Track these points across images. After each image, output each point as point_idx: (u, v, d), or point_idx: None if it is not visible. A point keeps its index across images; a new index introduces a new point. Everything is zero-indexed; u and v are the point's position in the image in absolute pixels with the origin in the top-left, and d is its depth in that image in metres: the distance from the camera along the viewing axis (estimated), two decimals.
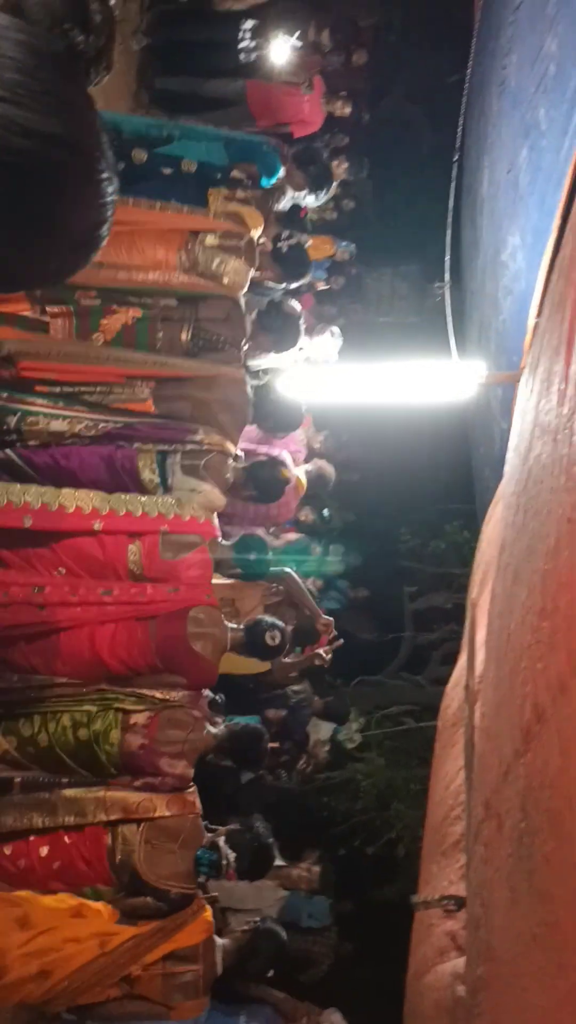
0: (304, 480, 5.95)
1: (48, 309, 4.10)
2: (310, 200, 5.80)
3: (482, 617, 3.26)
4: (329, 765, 8.27)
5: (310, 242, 5.74)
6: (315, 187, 5.63)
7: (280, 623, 4.04)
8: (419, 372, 4.59)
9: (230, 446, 4.03)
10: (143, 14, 6.60)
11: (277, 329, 4.52)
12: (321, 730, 7.84)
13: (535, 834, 1.61)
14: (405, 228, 10.37)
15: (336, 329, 6.63)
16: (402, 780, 8.49)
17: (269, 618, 4.09)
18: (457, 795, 3.12)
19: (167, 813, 3.44)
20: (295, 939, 6.79)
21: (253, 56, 6.54)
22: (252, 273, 4.29)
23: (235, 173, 4.65)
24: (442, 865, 3.09)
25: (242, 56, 6.53)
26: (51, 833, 3.47)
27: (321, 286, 8.18)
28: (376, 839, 8.36)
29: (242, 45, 6.48)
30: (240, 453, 4.26)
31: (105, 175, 0.95)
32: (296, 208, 5.35)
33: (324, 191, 5.95)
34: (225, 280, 4.16)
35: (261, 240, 4.59)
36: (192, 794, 3.57)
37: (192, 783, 3.64)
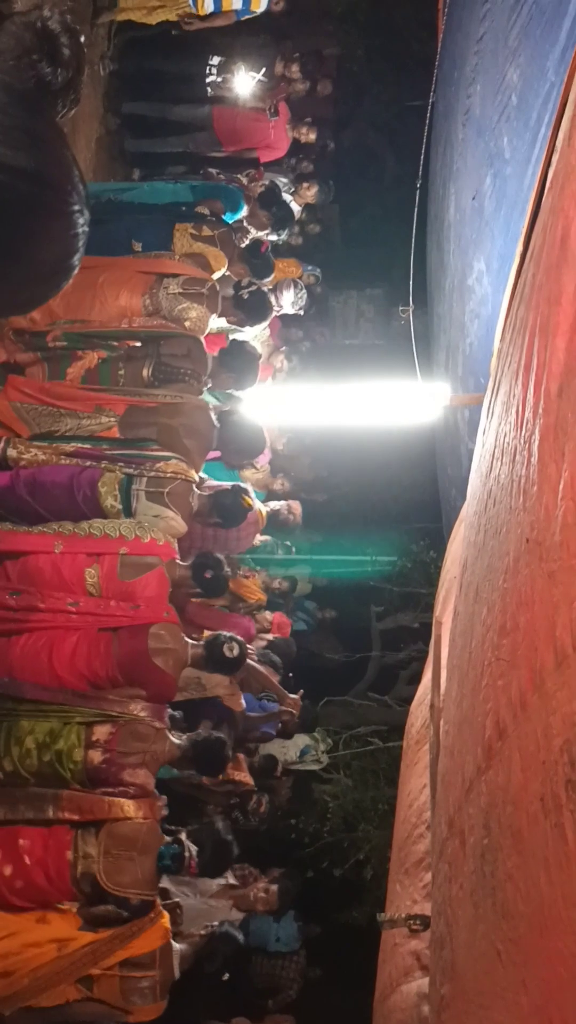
0: (265, 515, 5.98)
1: (18, 357, 4.20)
2: (272, 238, 5.92)
3: (446, 635, 3.29)
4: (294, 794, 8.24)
5: (270, 285, 5.87)
6: (278, 227, 5.80)
7: (239, 637, 4.12)
8: (386, 394, 4.66)
9: (194, 473, 4.11)
10: (111, 40, 6.65)
11: (238, 368, 4.63)
12: (289, 751, 7.81)
13: (497, 851, 1.63)
14: (371, 252, 10.50)
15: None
16: (370, 801, 8.47)
17: (227, 632, 4.13)
18: (421, 813, 3.14)
19: (122, 813, 3.48)
20: (263, 964, 6.73)
21: (220, 88, 6.64)
22: (213, 319, 4.40)
23: (200, 208, 4.77)
24: (406, 884, 3.10)
25: (209, 89, 6.63)
26: (9, 834, 3.47)
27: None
28: (344, 861, 8.32)
29: (209, 79, 6.58)
30: (205, 476, 4.31)
31: (76, 207, 0.98)
32: (257, 243, 5.45)
33: (286, 231, 6.12)
34: (187, 324, 4.31)
35: (226, 274, 4.71)
36: (151, 801, 3.61)
37: (158, 793, 3.70)
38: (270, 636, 6.41)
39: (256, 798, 5.78)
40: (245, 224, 5.41)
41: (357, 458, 8.53)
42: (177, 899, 4.03)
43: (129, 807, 3.49)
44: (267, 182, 6.90)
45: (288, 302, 6.58)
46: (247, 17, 6.45)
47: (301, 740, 8.50)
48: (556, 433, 1.38)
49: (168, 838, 3.72)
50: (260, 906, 4.97)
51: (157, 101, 6.82)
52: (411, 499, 10.21)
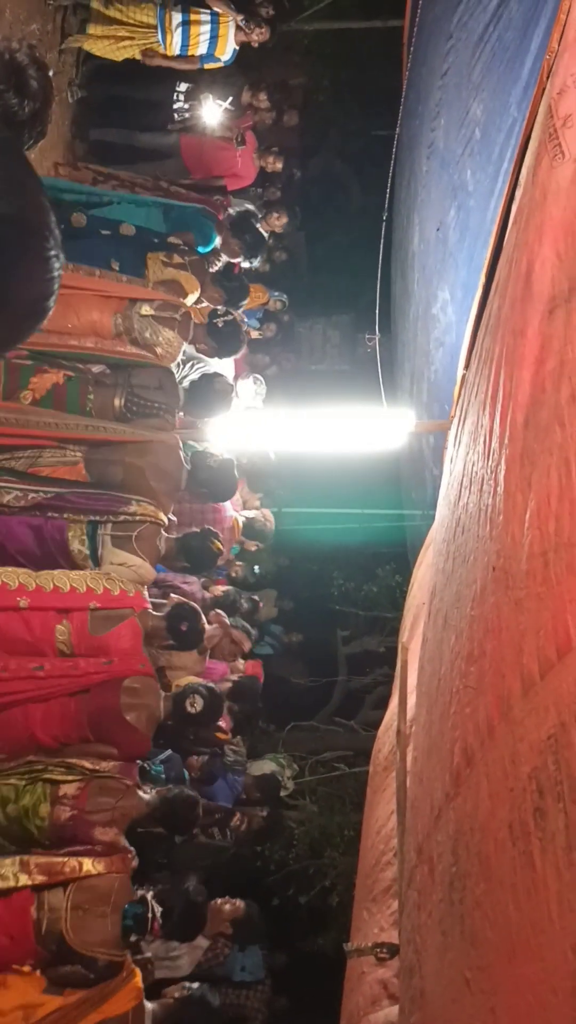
0: (241, 524, 5.98)
1: None
2: (245, 265, 5.98)
3: (413, 661, 3.30)
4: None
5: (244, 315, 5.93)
6: (249, 254, 5.83)
7: (203, 687, 4.00)
8: (351, 419, 4.70)
9: (163, 516, 4.00)
10: (79, 66, 6.69)
11: (207, 403, 4.60)
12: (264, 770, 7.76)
13: (466, 878, 1.64)
14: (337, 279, 10.62)
15: (259, 377, 6.79)
16: (336, 827, 8.43)
17: (195, 682, 4.06)
18: (388, 840, 3.13)
19: (94, 871, 3.34)
20: (228, 994, 6.63)
21: (187, 115, 6.70)
22: (185, 346, 4.38)
23: (172, 239, 4.77)
24: (373, 912, 3.09)
25: (176, 115, 6.69)
26: None
27: (254, 335, 8.29)
28: (310, 888, 8.26)
29: (176, 106, 6.65)
30: (173, 518, 4.24)
31: (52, 252, 1.00)
32: (230, 267, 5.49)
33: (258, 258, 6.16)
34: (158, 350, 4.23)
35: (201, 305, 4.72)
36: (122, 856, 3.47)
37: (126, 848, 3.55)
38: (235, 677, 6.37)
39: (239, 816, 5.72)
40: (218, 248, 5.43)
41: (322, 482, 8.57)
42: (148, 954, 3.86)
43: (100, 865, 3.35)
44: (235, 210, 6.97)
45: (248, 393, 6.58)
46: (210, 65, 6.56)
47: (267, 766, 8.45)
48: (522, 463, 1.41)
49: (137, 892, 3.57)
50: (227, 917, 4.86)
51: (124, 128, 6.86)
52: (376, 523, 10.26)
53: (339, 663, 10.82)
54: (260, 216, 7.33)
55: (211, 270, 5.08)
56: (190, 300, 4.56)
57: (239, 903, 4.89)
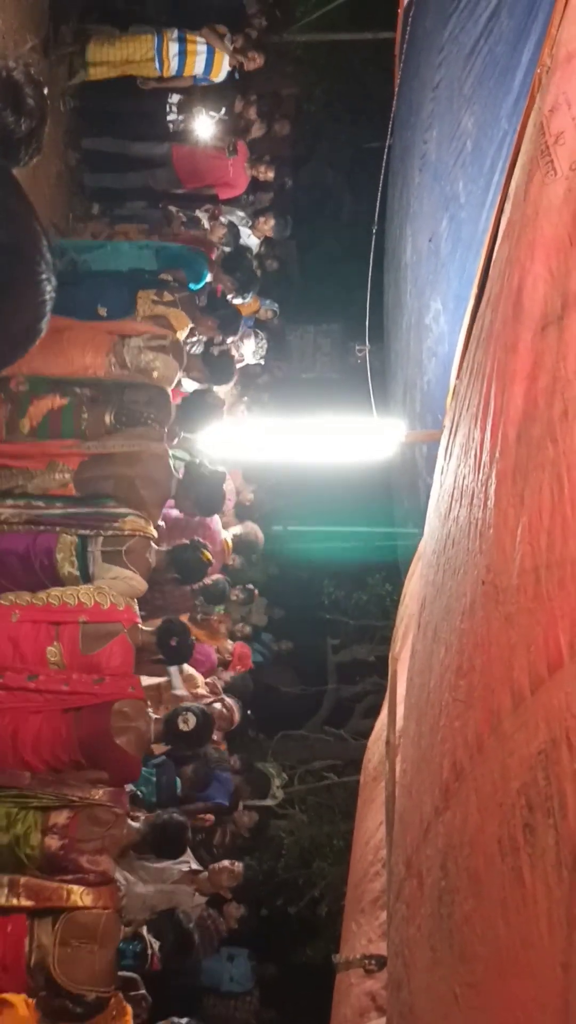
0: (231, 543, 6.00)
1: None
2: (237, 301, 6.03)
3: (403, 672, 3.30)
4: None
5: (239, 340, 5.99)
6: (242, 291, 5.88)
7: (197, 707, 4.00)
8: (342, 428, 4.70)
9: (152, 529, 4.03)
10: (72, 77, 6.69)
11: (198, 418, 4.64)
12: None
13: (455, 893, 1.63)
14: (328, 288, 10.64)
15: (260, 332, 6.85)
16: (325, 837, 8.42)
17: (187, 703, 4.06)
18: (377, 851, 3.12)
19: (81, 902, 3.32)
20: (216, 1005, 6.61)
21: (180, 125, 6.75)
22: (179, 372, 4.43)
23: (163, 276, 4.82)
24: (361, 923, 3.08)
25: (169, 126, 6.74)
26: None
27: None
28: (299, 898, 8.24)
29: (170, 117, 6.70)
30: (161, 524, 4.26)
31: (44, 276, 1.03)
32: (213, 293, 5.52)
33: (250, 294, 6.22)
34: (155, 375, 4.30)
35: (192, 340, 4.76)
36: (111, 889, 3.46)
37: (115, 881, 3.54)
38: (228, 675, 6.38)
39: (221, 831, 5.73)
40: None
41: (313, 490, 8.57)
42: (142, 991, 3.82)
43: (88, 896, 3.34)
44: (226, 219, 6.99)
45: (249, 351, 6.67)
46: (204, 84, 6.64)
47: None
48: (514, 478, 1.41)
49: (126, 929, 3.57)
50: (226, 881, 4.84)
51: (117, 137, 6.89)
52: (367, 531, 10.27)
53: (329, 672, 10.82)
54: (250, 223, 7.37)
55: (201, 304, 5.12)
56: (180, 336, 4.61)
57: (238, 864, 4.92)
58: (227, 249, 6.16)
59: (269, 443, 5.13)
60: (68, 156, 6.77)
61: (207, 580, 5.78)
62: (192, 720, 3.89)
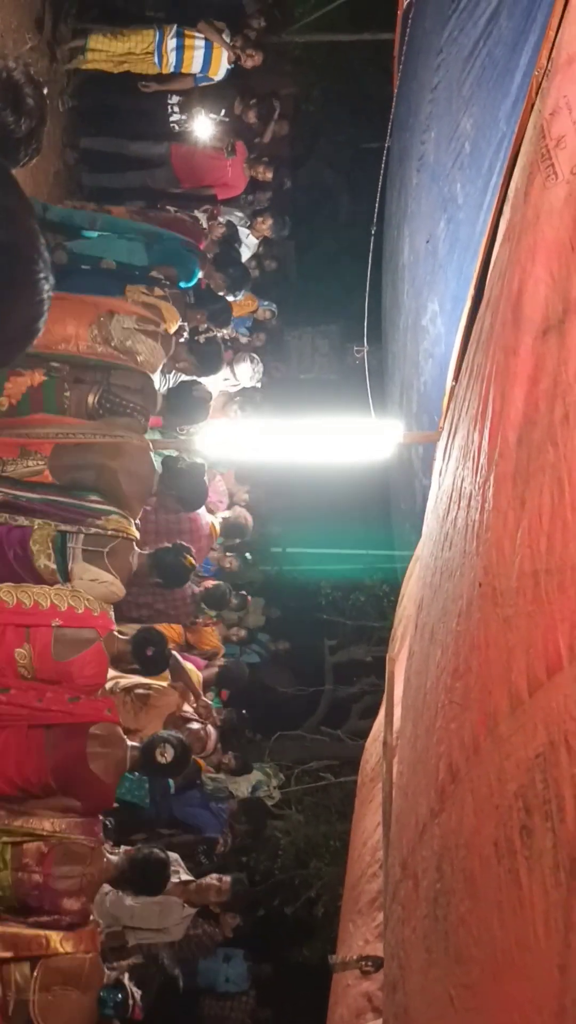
0: (218, 527, 5.96)
1: None
2: (229, 299, 5.98)
3: (400, 673, 3.30)
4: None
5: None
6: (234, 288, 5.81)
7: (174, 736, 3.86)
8: (340, 428, 4.70)
9: (134, 530, 3.87)
10: (70, 76, 6.70)
11: (185, 410, 4.55)
12: (241, 787, 7.74)
13: (450, 894, 1.63)
14: (326, 288, 10.64)
15: (256, 356, 6.83)
16: (321, 837, 8.41)
17: (164, 732, 3.92)
18: (374, 852, 3.13)
19: (61, 950, 3.20)
20: (212, 1006, 6.61)
21: (178, 126, 6.76)
22: (165, 360, 4.32)
23: (154, 273, 4.73)
24: (359, 924, 3.08)
25: (168, 126, 6.75)
26: None
27: (243, 341, 8.30)
28: (295, 899, 8.23)
29: (169, 117, 6.72)
30: (138, 522, 4.13)
31: (41, 275, 1.03)
32: (209, 289, 5.46)
33: (243, 292, 6.16)
34: (139, 358, 4.15)
35: (181, 339, 4.70)
36: (91, 930, 3.35)
37: (92, 920, 3.43)
38: (221, 661, 6.35)
39: (222, 842, 5.70)
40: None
41: (311, 491, 8.57)
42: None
43: (68, 942, 3.22)
44: (224, 219, 6.99)
45: (245, 376, 6.64)
46: (204, 84, 6.66)
47: (253, 775, 8.44)
48: (514, 481, 1.41)
49: (109, 974, 3.45)
50: (213, 896, 4.79)
51: (115, 137, 6.89)
52: (364, 532, 10.27)
53: (326, 672, 10.82)
54: (248, 223, 7.37)
55: (190, 300, 5.06)
56: (170, 329, 4.55)
57: (226, 879, 4.83)
58: (217, 250, 6.12)
59: (266, 443, 5.12)
60: (66, 155, 6.76)
61: (208, 584, 5.77)
62: (170, 752, 3.74)
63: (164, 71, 6.42)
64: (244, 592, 7.45)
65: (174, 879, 4.46)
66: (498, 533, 1.48)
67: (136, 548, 3.90)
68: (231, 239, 6.45)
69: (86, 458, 3.88)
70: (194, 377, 4.93)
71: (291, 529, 9.77)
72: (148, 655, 3.83)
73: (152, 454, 4.16)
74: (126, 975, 3.53)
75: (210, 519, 5.63)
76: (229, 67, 6.60)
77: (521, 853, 1.29)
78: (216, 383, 5.63)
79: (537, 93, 2.07)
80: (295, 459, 5.14)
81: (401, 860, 2.20)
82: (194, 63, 6.44)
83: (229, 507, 6.73)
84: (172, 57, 6.36)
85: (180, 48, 6.37)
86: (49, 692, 3.40)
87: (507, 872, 1.34)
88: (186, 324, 4.85)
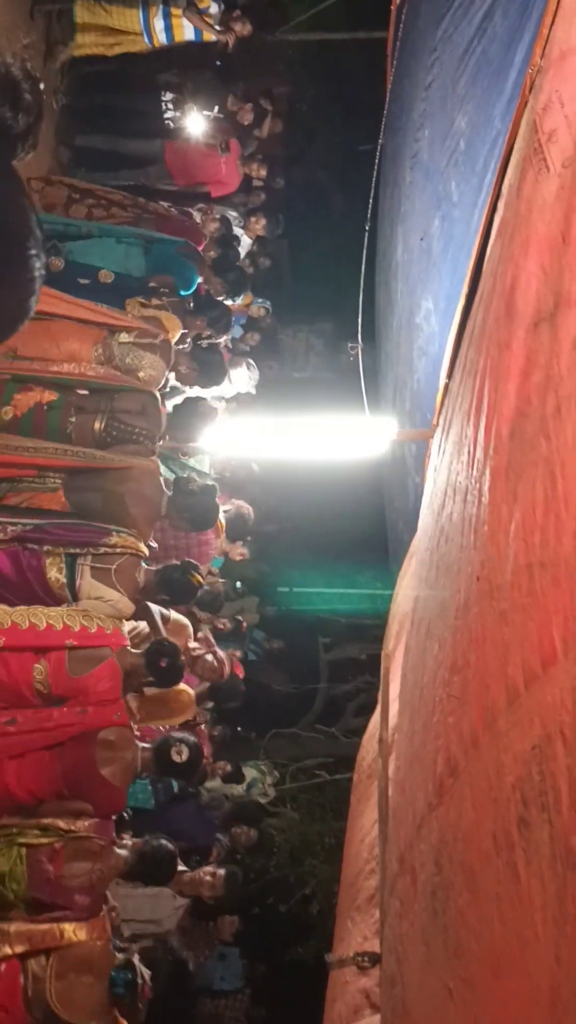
0: (223, 521, 5.95)
1: None
2: (228, 303, 5.95)
3: (396, 670, 3.30)
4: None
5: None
6: (233, 292, 5.77)
7: (189, 738, 3.88)
8: (334, 426, 4.71)
9: (143, 547, 3.91)
10: (64, 74, 6.69)
11: (190, 426, 4.57)
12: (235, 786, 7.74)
13: (448, 888, 1.64)
14: (320, 287, 10.64)
15: (252, 362, 6.82)
16: (316, 835, 8.43)
17: (177, 733, 3.93)
18: (372, 848, 3.13)
19: (75, 938, 3.27)
20: (207, 1004, 6.60)
21: (173, 124, 6.75)
22: (168, 372, 4.32)
23: (152, 283, 4.71)
24: (356, 921, 3.08)
25: (171, 123, 6.75)
26: None
27: (244, 348, 8.31)
28: (290, 896, 8.25)
29: (167, 116, 6.71)
30: (154, 544, 4.13)
31: (33, 252, 1.02)
32: (209, 295, 5.43)
33: (242, 296, 6.12)
34: (141, 375, 4.18)
35: (183, 346, 4.70)
36: (102, 920, 3.40)
37: (108, 907, 3.50)
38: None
39: (217, 851, 5.70)
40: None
41: (306, 490, 8.57)
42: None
43: (81, 931, 3.28)
44: (219, 216, 6.99)
45: (242, 381, 6.64)
46: (199, 45, 6.67)
47: (248, 773, 8.45)
48: (508, 475, 1.42)
49: (119, 956, 3.49)
50: (206, 890, 4.80)
51: (110, 135, 6.88)
52: (359, 531, 10.28)
53: (321, 670, 10.84)
54: (242, 222, 7.36)
55: (190, 307, 5.04)
56: (172, 338, 4.54)
57: (220, 873, 4.84)
58: (216, 254, 6.10)
59: (262, 442, 5.12)
60: (60, 153, 6.76)
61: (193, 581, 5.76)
62: (186, 752, 3.75)
63: (156, 45, 6.46)
64: (239, 584, 7.42)
65: None
66: (493, 527, 1.48)
67: (143, 564, 3.92)
68: (229, 240, 6.42)
69: (95, 482, 3.95)
70: (197, 388, 4.92)
71: (284, 532, 9.78)
72: (162, 667, 3.82)
73: (161, 477, 4.17)
74: (136, 956, 3.58)
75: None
76: (219, 29, 6.61)
77: (519, 846, 1.29)
78: (219, 391, 5.63)
79: (531, 90, 2.07)
80: (290, 457, 5.14)
81: (399, 855, 2.21)
82: (185, 33, 6.49)
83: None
84: (162, 37, 6.39)
85: (168, 29, 6.42)
86: (56, 712, 3.47)
87: (505, 865, 1.34)
88: (188, 331, 4.85)
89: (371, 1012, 2.69)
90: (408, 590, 3.66)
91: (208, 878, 4.67)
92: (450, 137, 4.02)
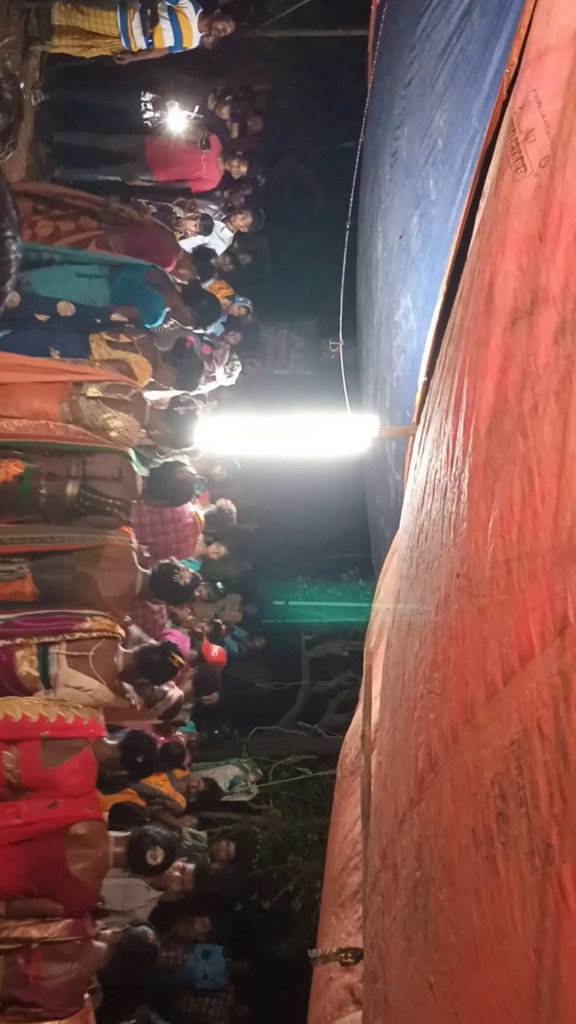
0: (203, 518, 5.93)
1: None
2: (199, 332, 5.75)
3: (378, 666, 3.32)
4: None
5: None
6: (204, 322, 5.54)
7: (163, 834, 3.79)
8: (315, 424, 4.70)
9: (119, 629, 3.78)
10: (43, 70, 6.65)
11: (166, 494, 4.42)
12: (219, 783, 7.75)
13: (429, 883, 1.65)
14: (301, 284, 10.65)
15: (234, 355, 6.80)
16: (299, 831, 8.44)
17: (152, 829, 3.83)
18: (354, 845, 3.14)
19: None
20: (189, 1003, 6.60)
21: (152, 123, 6.72)
22: (141, 431, 4.13)
23: (115, 316, 4.46)
24: (340, 917, 3.10)
25: (149, 123, 6.72)
26: None
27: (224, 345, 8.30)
28: (273, 893, 8.26)
29: (147, 115, 6.67)
30: (129, 620, 3.97)
31: (8, 233, 1.00)
32: (182, 342, 5.16)
33: (213, 325, 5.94)
34: (112, 435, 3.97)
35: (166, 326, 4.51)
36: (85, 1012, 3.34)
37: (90, 999, 3.43)
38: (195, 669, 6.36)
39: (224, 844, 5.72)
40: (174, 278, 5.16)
41: (287, 488, 8.58)
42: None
43: None
44: (200, 211, 6.98)
45: (221, 374, 6.60)
46: (179, 52, 6.62)
47: (231, 771, 8.46)
48: (485, 472, 1.43)
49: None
50: (175, 885, 4.77)
51: (89, 131, 6.86)
52: (340, 528, 10.31)
53: (303, 667, 10.86)
54: (223, 217, 7.36)
55: (162, 348, 4.80)
56: (142, 384, 4.30)
57: (188, 868, 4.79)
58: (197, 213, 5.96)
59: (243, 441, 5.10)
60: (38, 150, 6.72)
61: (181, 581, 5.69)
62: (160, 855, 3.67)
63: (134, 49, 6.37)
64: (219, 584, 7.42)
65: None
66: (472, 524, 1.49)
67: (121, 648, 3.79)
68: (204, 255, 6.25)
69: (65, 561, 3.77)
70: (176, 454, 4.75)
71: (265, 529, 9.78)
72: (137, 762, 3.77)
73: (135, 553, 3.98)
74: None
75: (194, 509, 5.56)
76: (201, 34, 6.56)
77: (498, 840, 1.31)
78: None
79: (509, 89, 2.08)
80: (271, 455, 5.14)
81: (381, 850, 2.22)
82: (164, 39, 6.39)
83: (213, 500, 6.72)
84: (140, 40, 6.31)
85: (147, 30, 6.34)
86: (25, 806, 3.33)
87: (484, 859, 1.35)
88: (157, 377, 4.60)
89: (355, 1008, 2.70)
90: (389, 587, 3.67)
91: (176, 873, 4.65)
92: (429, 135, 4.04)
